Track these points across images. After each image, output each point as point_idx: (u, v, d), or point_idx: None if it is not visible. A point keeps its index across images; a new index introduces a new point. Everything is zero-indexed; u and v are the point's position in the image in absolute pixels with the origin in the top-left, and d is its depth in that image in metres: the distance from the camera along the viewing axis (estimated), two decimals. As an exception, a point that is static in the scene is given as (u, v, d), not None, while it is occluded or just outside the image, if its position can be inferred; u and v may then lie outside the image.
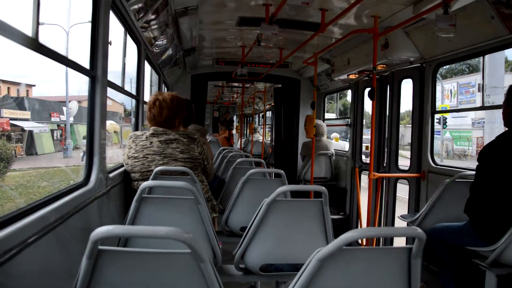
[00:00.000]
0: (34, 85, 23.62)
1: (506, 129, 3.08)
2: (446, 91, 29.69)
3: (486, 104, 16.46)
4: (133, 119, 4.82)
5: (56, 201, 1.96)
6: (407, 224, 3.99)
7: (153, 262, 1.49)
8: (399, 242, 6.25)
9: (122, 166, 3.37)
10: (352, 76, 6.21)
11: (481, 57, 4.55)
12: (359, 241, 5.00)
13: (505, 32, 3.54)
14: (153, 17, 3.96)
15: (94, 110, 2.63)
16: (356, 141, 6.90)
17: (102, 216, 2.65)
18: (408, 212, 4.95)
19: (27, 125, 17.89)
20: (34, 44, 1.76)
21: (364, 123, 7.04)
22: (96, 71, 2.61)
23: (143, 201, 2.57)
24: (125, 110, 30.68)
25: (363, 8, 4.35)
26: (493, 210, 2.98)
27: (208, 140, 6.44)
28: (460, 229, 3.23)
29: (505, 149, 2.97)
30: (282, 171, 3.61)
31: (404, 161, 6.03)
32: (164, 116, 3.33)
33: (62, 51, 2.05)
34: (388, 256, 1.54)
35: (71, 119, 20.46)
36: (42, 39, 1.81)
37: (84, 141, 3.09)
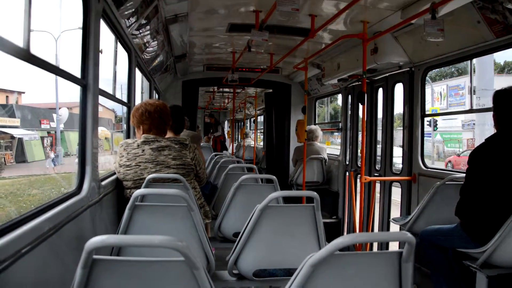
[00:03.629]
0: (23, 92, 23.49)
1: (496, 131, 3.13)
2: (436, 93, 29.96)
3: (477, 107, 16.60)
4: (124, 126, 4.82)
5: (49, 211, 1.96)
6: (400, 227, 4.02)
7: (147, 271, 1.49)
8: (395, 245, 6.29)
9: (114, 173, 3.37)
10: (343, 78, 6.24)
11: (469, 61, 4.60)
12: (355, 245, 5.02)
13: (491, 36, 3.60)
14: (143, 24, 3.97)
15: (86, 119, 2.63)
16: (346, 145, 6.94)
17: (95, 224, 2.64)
18: (401, 215, 4.99)
19: (16, 133, 17.74)
20: (26, 55, 1.77)
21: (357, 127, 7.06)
22: (87, 79, 2.61)
23: (136, 209, 2.58)
24: (116, 117, 30.57)
25: (352, 14, 4.39)
26: (483, 212, 3.01)
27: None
28: (451, 231, 3.27)
29: (495, 151, 3.01)
30: (274, 177, 3.62)
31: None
32: (156, 124, 3.36)
33: (52, 59, 2.06)
34: (379, 261, 1.56)
35: (62, 126, 20.32)
36: (33, 47, 1.82)
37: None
